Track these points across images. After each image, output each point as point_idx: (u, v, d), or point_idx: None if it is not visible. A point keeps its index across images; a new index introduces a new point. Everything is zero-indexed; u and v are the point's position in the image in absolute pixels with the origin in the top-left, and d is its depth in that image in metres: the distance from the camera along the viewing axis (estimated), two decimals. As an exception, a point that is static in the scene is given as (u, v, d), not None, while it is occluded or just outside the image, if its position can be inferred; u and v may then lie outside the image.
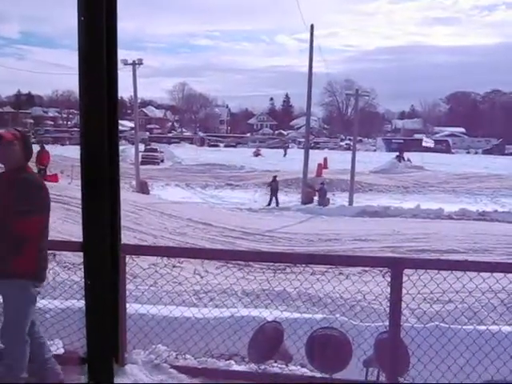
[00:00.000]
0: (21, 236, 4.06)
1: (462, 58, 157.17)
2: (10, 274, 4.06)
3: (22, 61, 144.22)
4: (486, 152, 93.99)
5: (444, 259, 6.03)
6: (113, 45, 3.96)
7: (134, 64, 35.87)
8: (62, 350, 5.20)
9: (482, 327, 6.01)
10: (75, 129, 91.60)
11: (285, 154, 69.36)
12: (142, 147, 54.52)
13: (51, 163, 32.03)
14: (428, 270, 4.80)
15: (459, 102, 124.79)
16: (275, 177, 35.19)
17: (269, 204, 32.95)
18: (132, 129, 63.47)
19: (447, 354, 5.01)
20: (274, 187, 33.69)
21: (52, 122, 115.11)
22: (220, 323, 6.05)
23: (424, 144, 59.64)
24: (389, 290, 4.54)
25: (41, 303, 5.14)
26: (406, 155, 61.51)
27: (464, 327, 5.92)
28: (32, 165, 4.39)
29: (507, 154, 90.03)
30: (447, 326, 6.03)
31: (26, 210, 4.07)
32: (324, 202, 32.49)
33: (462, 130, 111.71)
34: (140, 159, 40.68)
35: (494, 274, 4.92)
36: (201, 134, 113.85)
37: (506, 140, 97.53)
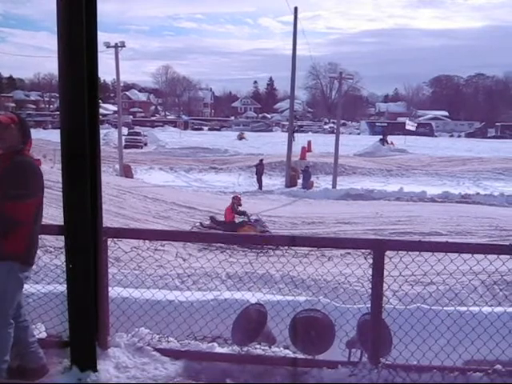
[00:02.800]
0: (12, 219, 4.04)
1: (446, 42, 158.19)
2: None
3: (2, 43, 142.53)
4: (469, 135, 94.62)
5: (425, 241, 6.08)
6: (93, 26, 3.92)
7: (116, 47, 35.50)
8: (44, 334, 5.19)
9: (463, 308, 6.08)
10: (57, 112, 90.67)
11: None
12: (125, 131, 54.23)
13: (34, 147, 31.71)
14: (410, 252, 4.82)
15: (443, 85, 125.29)
16: (261, 160, 35.18)
17: (260, 188, 32.68)
18: (115, 112, 63.18)
19: (428, 334, 5.07)
20: (259, 170, 33.63)
21: (34, 106, 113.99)
22: (203, 306, 6.07)
23: (407, 127, 59.60)
24: (371, 271, 4.57)
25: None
26: (390, 138, 61.62)
27: (445, 308, 5.99)
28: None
29: (490, 138, 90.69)
30: (428, 307, 6.10)
31: (22, 193, 4.06)
32: (308, 185, 32.61)
33: (446, 113, 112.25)
34: (123, 143, 40.54)
35: (475, 256, 4.96)
36: (184, 117, 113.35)
37: (489, 123, 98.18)
